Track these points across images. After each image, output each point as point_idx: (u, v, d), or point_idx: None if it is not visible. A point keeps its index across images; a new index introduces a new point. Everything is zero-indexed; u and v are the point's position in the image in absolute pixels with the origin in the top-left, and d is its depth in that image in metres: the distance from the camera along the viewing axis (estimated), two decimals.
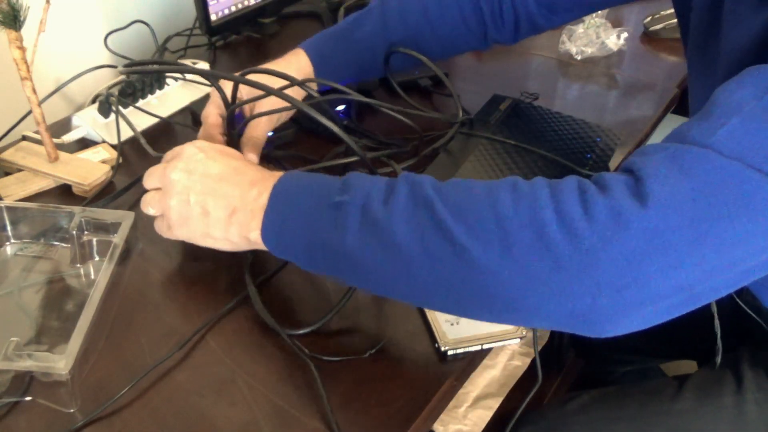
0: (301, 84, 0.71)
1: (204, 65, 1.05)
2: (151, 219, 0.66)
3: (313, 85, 0.80)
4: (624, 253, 0.44)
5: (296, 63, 0.84)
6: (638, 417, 0.81)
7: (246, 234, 0.57)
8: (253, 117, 0.74)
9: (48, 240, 0.74)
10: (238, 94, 0.75)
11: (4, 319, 0.65)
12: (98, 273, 0.67)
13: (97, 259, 0.72)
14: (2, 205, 0.73)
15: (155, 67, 0.86)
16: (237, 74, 0.71)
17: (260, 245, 0.58)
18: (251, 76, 0.69)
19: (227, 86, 0.73)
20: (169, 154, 0.64)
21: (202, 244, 0.62)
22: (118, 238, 0.70)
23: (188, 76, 0.99)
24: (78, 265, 0.71)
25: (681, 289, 0.45)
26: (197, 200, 0.59)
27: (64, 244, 0.73)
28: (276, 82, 0.70)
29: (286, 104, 0.71)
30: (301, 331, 0.63)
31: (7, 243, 0.74)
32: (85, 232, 0.72)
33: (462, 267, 0.47)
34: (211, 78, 0.74)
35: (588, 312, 0.45)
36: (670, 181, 0.44)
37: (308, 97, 0.75)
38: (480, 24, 0.87)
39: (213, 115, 0.75)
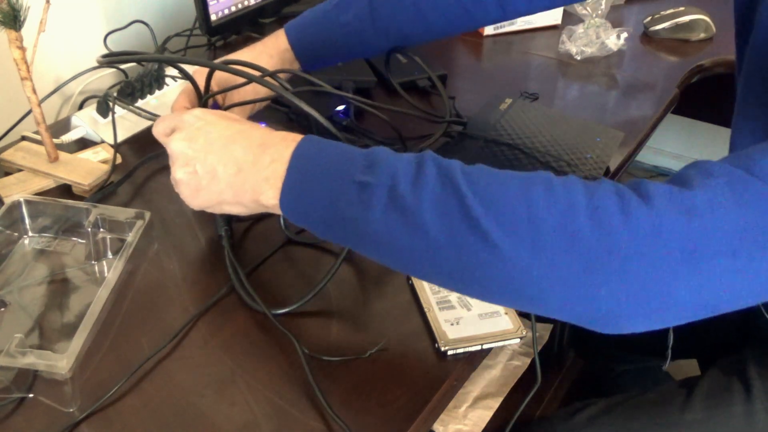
0: (259, 80, 0.68)
1: (200, 70, 1.04)
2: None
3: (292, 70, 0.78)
4: (658, 267, 0.44)
5: (274, 47, 0.82)
6: (647, 428, 0.81)
7: (261, 200, 0.55)
8: (228, 107, 0.74)
9: (65, 235, 0.74)
10: (211, 85, 0.74)
11: (15, 313, 0.65)
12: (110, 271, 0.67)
13: (110, 256, 0.72)
14: (21, 198, 0.73)
15: (131, 57, 0.85)
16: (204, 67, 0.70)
17: (276, 210, 0.56)
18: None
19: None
20: (166, 120, 0.62)
21: (218, 212, 0.61)
22: (131, 237, 0.70)
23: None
24: (93, 262, 0.71)
25: (705, 307, 0.46)
26: (205, 169, 0.57)
27: (80, 240, 0.74)
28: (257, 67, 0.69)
29: (260, 95, 0.70)
30: (284, 310, 0.65)
31: (25, 236, 0.74)
32: (101, 229, 0.72)
33: (490, 260, 0.47)
34: (183, 67, 0.72)
35: (610, 316, 0.46)
36: (723, 209, 0.44)
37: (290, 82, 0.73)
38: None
39: (180, 105, 0.73)
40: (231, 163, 0.56)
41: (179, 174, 0.59)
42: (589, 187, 0.47)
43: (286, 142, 0.55)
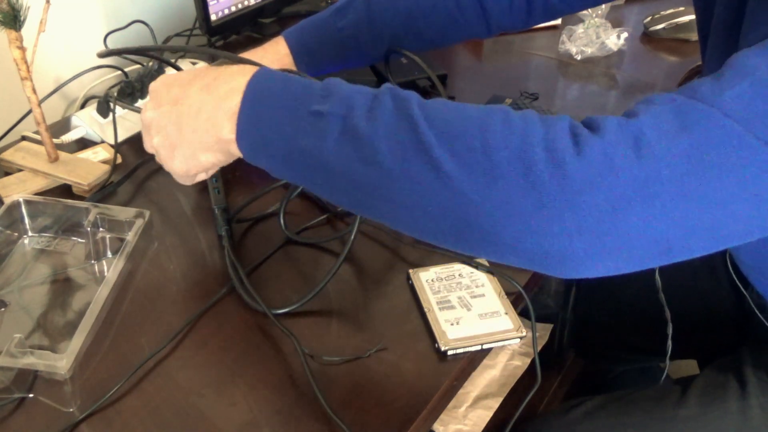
0: None
1: (203, 65, 1.04)
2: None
3: None
4: (609, 199, 0.43)
5: (274, 51, 0.83)
6: (643, 424, 0.81)
7: (220, 136, 0.54)
8: None
9: (65, 235, 0.74)
10: None
11: (16, 313, 0.65)
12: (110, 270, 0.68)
13: (110, 256, 0.72)
14: (21, 198, 0.73)
15: (131, 48, 0.85)
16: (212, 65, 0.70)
17: (236, 149, 0.54)
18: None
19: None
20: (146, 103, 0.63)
21: (193, 171, 0.60)
22: (130, 237, 0.70)
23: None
24: (92, 262, 0.72)
25: (658, 242, 0.45)
26: (172, 123, 0.57)
27: (80, 240, 0.74)
28: None
29: None
30: (284, 310, 0.65)
31: (25, 236, 0.74)
32: (101, 229, 0.72)
33: (443, 193, 0.46)
34: (185, 57, 0.73)
35: (563, 253, 0.45)
36: (670, 135, 0.44)
37: None
38: (478, 10, 0.85)
39: None
40: (192, 105, 0.55)
41: (155, 141, 0.59)
42: (546, 121, 0.47)
43: (243, 73, 0.54)
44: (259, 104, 0.52)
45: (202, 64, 1.04)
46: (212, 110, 0.54)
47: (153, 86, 0.60)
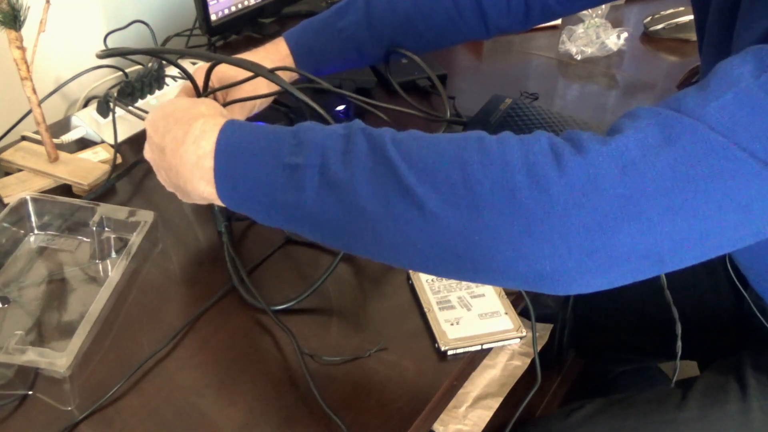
0: (264, 74, 0.68)
1: (203, 65, 1.04)
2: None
3: (290, 75, 0.79)
4: (596, 217, 0.43)
5: (275, 53, 0.83)
6: (643, 427, 0.81)
7: (206, 197, 0.56)
8: (227, 104, 0.74)
9: (70, 234, 0.74)
10: (210, 83, 0.74)
11: (18, 310, 0.65)
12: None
13: (114, 256, 0.72)
14: (28, 196, 0.74)
15: (131, 49, 0.85)
16: (206, 65, 0.71)
17: (219, 202, 0.56)
18: (220, 67, 0.69)
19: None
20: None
21: (193, 202, 0.62)
22: (135, 237, 0.70)
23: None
24: (96, 261, 0.72)
25: (649, 256, 0.45)
26: (166, 174, 0.60)
27: (85, 239, 0.74)
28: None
29: (259, 93, 0.70)
30: (283, 306, 0.65)
31: (31, 233, 0.75)
32: (106, 229, 0.72)
33: (430, 230, 0.46)
34: (182, 65, 0.74)
35: (555, 273, 0.45)
36: (654, 150, 0.44)
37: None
38: (476, 12, 0.86)
39: None
40: (171, 169, 0.58)
41: (160, 177, 0.63)
42: (524, 143, 0.47)
43: (205, 134, 0.54)
44: (232, 165, 0.53)
45: (201, 64, 1.04)
46: (191, 177, 0.55)
47: (146, 126, 0.62)
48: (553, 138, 0.47)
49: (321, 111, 0.64)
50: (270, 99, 0.83)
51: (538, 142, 0.46)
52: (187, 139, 0.55)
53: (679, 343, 0.84)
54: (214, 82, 0.76)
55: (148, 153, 0.63)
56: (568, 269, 0.45)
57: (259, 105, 0.81)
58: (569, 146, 0.46)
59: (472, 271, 0.48)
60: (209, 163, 0.53)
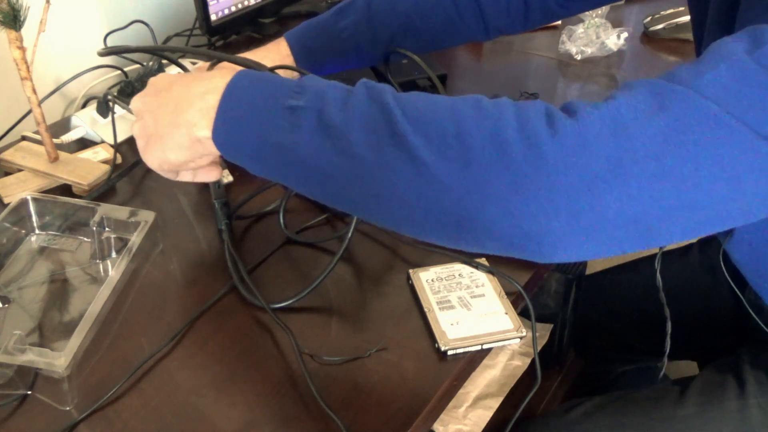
0: (271, 72, 0.69)
1: (203, 65, 1.04)
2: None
3: (290, 75, 0.79)
4: (585, 178, 0.43)
5: (276, 52, 0.84)
6: (641, 424, 0.81)
7: (195, 133, 0.55)
8: None
9: (71, 234, 0.75)
10: None
11: (18, 310, 0.65)
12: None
13: (114, 256, 0.72)
14: (29, 196, 0.74)
15: (131, 47, 0.85)
16: (207, 64, 0.71)
17: (211, 147, 0.55)
18: (222, 65, 0.69)
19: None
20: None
21: (165, 167, 0.60)
22: (135, 237, 0.70)
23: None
24: (97, 261, 0.72)
25: (636, 222, 0.45)
26: (150, 117, 0.58)
27: (86, 239, 0.74)
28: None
29: None
30: (282, 304, 0.65)
31: (32, 233, 0.75)
32: (106, 229, 0.72)
33: (418, 179, 0.46)
34: (185, 58, 0.74)
35: (541, 234, 0.45)
36: (646, 115, 0.44)
37: None
38: (476, 13, 0.86)
39: None
40: (170, 102, 0.56)
41: (134, 128, 0.60)
42: (520, 105, 0.47)
43: (222, 75, 0.55)
44: (236, 102, 0.53)
45: (201, 64, 1.04)
46: (189, 107, 0.55)
47: (151, 79, 0.61)
48: (549, 105, 0.47)
49: None
50: None
51: (533, 105, 0.47)
52: (204, 76, 0.56)
53: (668, 341, 0.85)
54: None
55: (137, 98, 0.61)
56: (554, 230, 0.44)
57: None
58: (563, 111, 0.46)
59: (456, 228, 0.47)
60: (215, 97, 0.53)
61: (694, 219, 0.45)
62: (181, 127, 0.55)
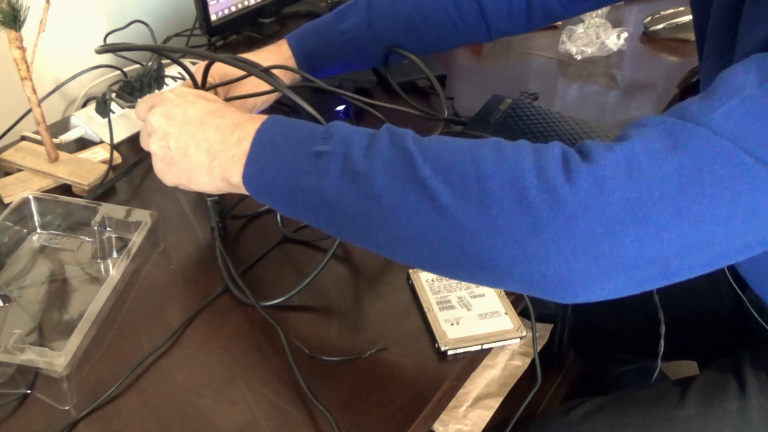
0: (266, 71, 0.70)
1: (201, 63, 1.04)
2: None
3: (291, 76, 0.79)
4: (603, 221, 0.44)
5: (277, 54, 0.84)
6: (642, 425, 0.81)
7: (228, 177, 0.57)
8: (227, 100, 0.74)
9: (72, 233, 0.75)
10: (209, 79, 0.74)
11: (19, 309, 0.65)
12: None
13: (115, 255, 0.72)
14: (30, 195, 0.74)
15: (129, 45, 0.85)
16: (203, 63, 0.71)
17: (242, 189, 0.57)
18: (220, 64, 0.69)
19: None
20: (150, 98, 0.63)
21: (188, 189, 0.61)
22: (135, 237, 0.70)
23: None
24: (98, 261, 0.72)
25: (656, 262, 0.45)
26: (177, 146, 0.59)
27: (87, 238, 0.74)
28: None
29: (261, 91, 0.71)
30: (273, 302, 0.66)
31: (34, 233, 0.75)
32: (107, 229, 0.72)
33: (439, 222, 0.47)
34: (183, 59, 0.74)
35: (561, 277, 0.45)
36: (661, 155, 0.44)
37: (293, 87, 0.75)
38: (478, 15, 0.86)
39: None
40: (203, 142, 0.57)
41: (154, 147, 0.60)
42: (538, 148, 0.48)
43: (254, 121, 0.56)
44: (266, 149, 0.55)
45: (200, 63, 1.04)
46: (223, 154, 0.57)
47: (169, 95, 0.61)
48: (566, 147, 0.48)
49: (312, 111, 0.64)
50: (271, 98, 0.83)
51: (551, 148, 0.47)
52: (236, 121, 0.57)
53: (662, 343, 0.85)
54: (215, 78, 0.76)
55: (158, 117, 0.60)
56: (573, 273, 0.45)
57: (260, 104, 0.82)
58: (578, 153, 0.46)
59: (477, 269, 0.48)
60: (246, 144, 0.55)
61: (712, 254, 0.46)
62: (215, 171, 0.57)
